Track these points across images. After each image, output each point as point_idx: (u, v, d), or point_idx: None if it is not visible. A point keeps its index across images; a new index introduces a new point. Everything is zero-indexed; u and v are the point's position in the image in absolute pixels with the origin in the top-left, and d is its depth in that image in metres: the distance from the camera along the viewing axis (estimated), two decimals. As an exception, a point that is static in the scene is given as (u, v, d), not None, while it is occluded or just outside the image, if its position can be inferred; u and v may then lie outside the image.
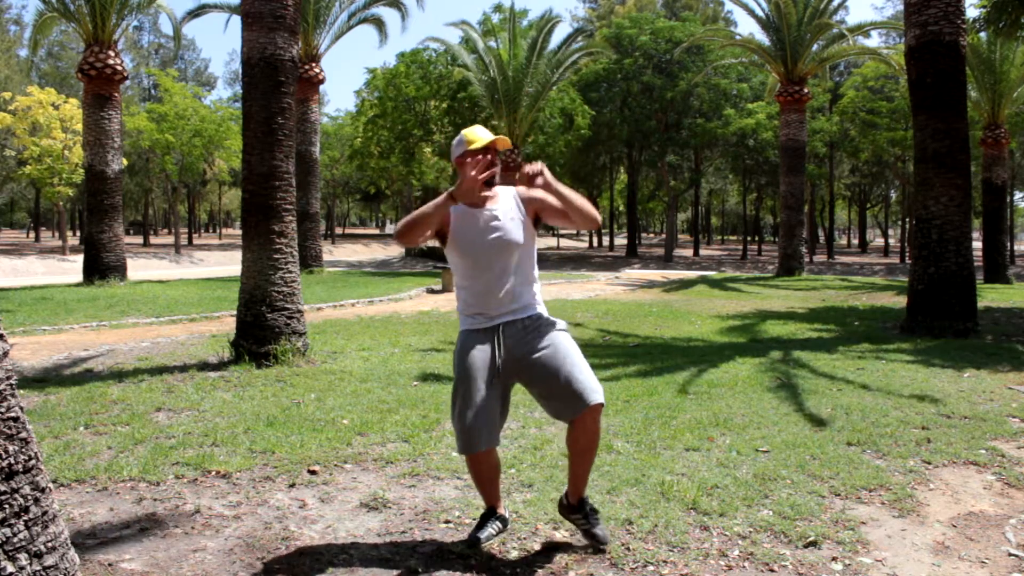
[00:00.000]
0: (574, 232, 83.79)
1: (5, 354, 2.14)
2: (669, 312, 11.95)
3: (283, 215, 7.50)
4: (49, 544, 2.16)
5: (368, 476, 3.91)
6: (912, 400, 5.47)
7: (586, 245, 62.19)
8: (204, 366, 6.99)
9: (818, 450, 4.23)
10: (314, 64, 22.13)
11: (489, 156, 2.87)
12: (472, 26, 24.68)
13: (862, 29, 24.08)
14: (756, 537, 3.10)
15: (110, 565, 2.89)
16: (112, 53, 17.14)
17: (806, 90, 22.85)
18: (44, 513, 2.16)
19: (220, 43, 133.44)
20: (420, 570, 2.84)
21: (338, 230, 65.43)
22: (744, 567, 2.87)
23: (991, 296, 14.53)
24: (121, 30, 17.97)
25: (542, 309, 3.07)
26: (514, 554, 2.98)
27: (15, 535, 2.06)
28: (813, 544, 3.04)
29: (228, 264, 32.08)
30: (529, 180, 2.84)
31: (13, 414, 2.12)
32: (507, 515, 3.18)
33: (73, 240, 42.68)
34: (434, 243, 3.08)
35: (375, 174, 37.33)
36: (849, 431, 4.63)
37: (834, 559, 2.93)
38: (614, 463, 3.99)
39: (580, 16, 55.80)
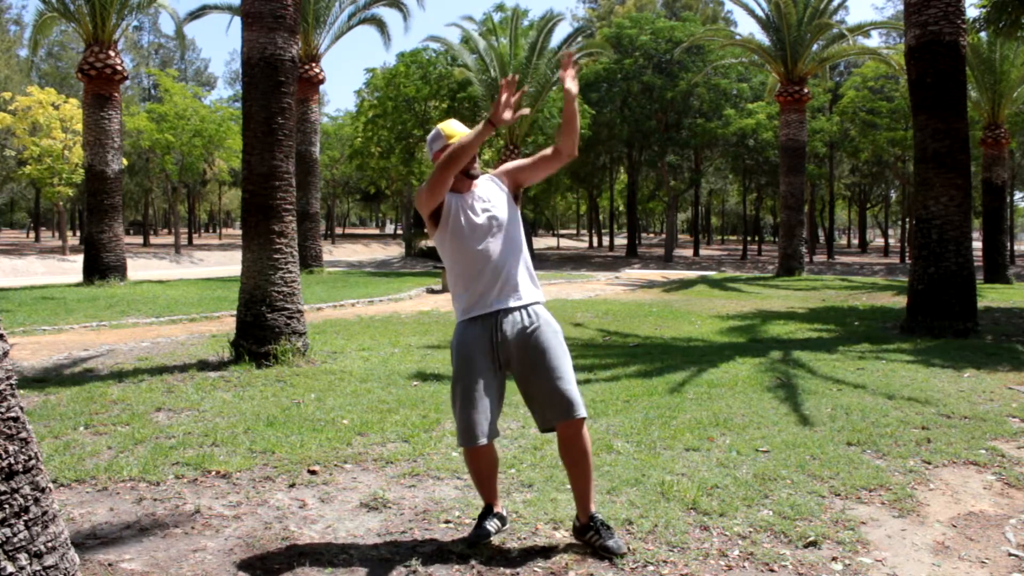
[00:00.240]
0: (574, 232, 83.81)
1: (5, 354, 2.14)
2: (669, 312, 11.95)
3: (283, 215, 7.50)
4: (49, 544, 2.16)
5: (368, 476, 3.91)
6: (912, 400, 5.47)
7: (586, 245, 62.20)
8: (204, 366, 6.99)
9: (818, 450, 4.23)
10: (314, 64, 22.13)
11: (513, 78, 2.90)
12: (474, 20, 24.70)
13: (862, 29, 24.08)
14: (756, 537, 3.10)
15: (110, 565, 2.89)
16: (112, 53, 17.14)
17: (806, 90, 22.85)
18: (44, 513, 2.16)
19: (220, 43, 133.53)
20: (420, 570, 2.84)
21: (338, 230, 65.43)
22: (744, 567, 2.87)
23: (991, 296, 14.53)
24: (121, 30, 17.98)
25: (540, 298, 3.07)
26: (514, 554, 2.98)
27: (15, 535, 2.06)
28: (813, 544, 3.04)
29: (228, 264, 32.08)
30: (568, 63, 2.93)
31: (13, 414, 2.12)
32: (505, 513, 3.18)
33: (73, 240, 42.68)
34: (431, 243, 3.08)
35: (375, 174, 37.31)
36: (849, 431, 4.63)
37: (834, 559, 2.93)
38: (614, 463, 3.99)
39: (580, 16, 55.88)
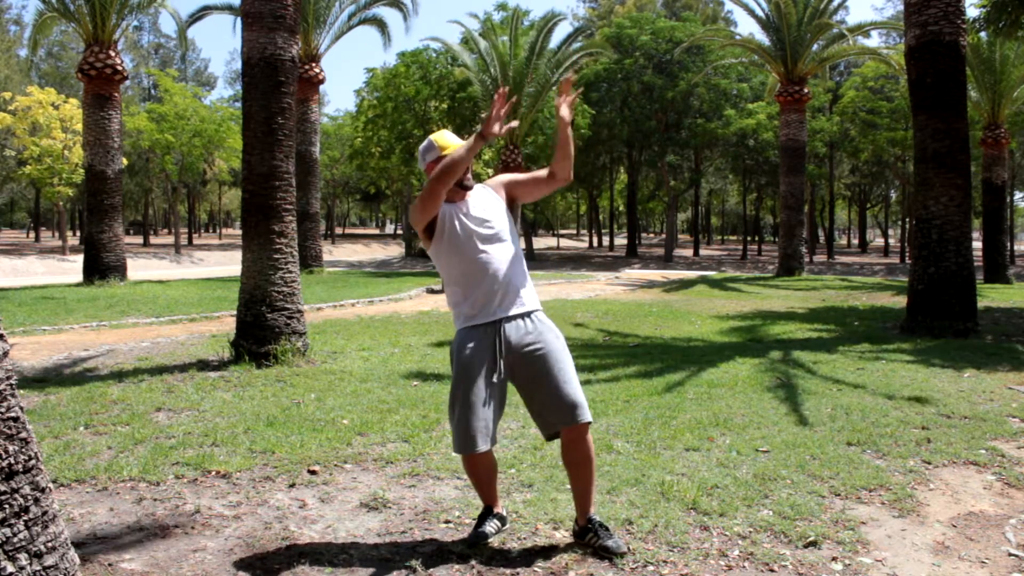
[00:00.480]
0: (574, 232, 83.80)
1: (5, 354, 2.14)
2: (669, 312, 11.95)
3: (283, 215, 7.50)
4: (49, 544, 2.16)
5: (368, 476, 3.91)
6: (912, 400, 5.47)
7: (586, 245, 62.20)
8: (204, 366, 6.99)
9: (818, 450, 4.23)
10: (314, 64, 22.14)
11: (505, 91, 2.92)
12: (477, 19, 24.68)
13: (862, 29, 24.08)
14: (756, 537, 3.10)
15: (110, 565, 2.89)
16: (112, 53, 17.14)
17: (806, 90, 22.85)
18: (44, 513, 2.16)
19: (220, 43, 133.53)
20: (420, 570, 2.84)
21: (338, 230, 65.43)
22: (744, 567, 2.87)
23: (991, 296, 14.53)
24: (121, 30, 17.98)
25: (539, 306, 3.07)
26: (514, 554, 2.98)
27: (15, 535, 2.06)
28: (813, 544, 3.04)
29: (228, 264, 32.08)
30: (567, 88, 2.97)
31: (13, 414, 2.13)
32: (505, 514, 3.18)
33: (73, 240, 42.68)
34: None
35: (375, 174, 37.31)
36: (849, 431, 4.63)
37: (834, 559, 2.93)
38: (614, 463, 3.99)
39: (581, 16, 55.83)
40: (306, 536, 3.18)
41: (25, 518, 2.09)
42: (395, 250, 46.91)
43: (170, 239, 47.47)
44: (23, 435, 2.14)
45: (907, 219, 41.96)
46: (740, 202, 54.24)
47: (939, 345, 8.22)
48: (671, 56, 33.96)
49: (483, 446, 2.87)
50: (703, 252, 49.90)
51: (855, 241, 70.07)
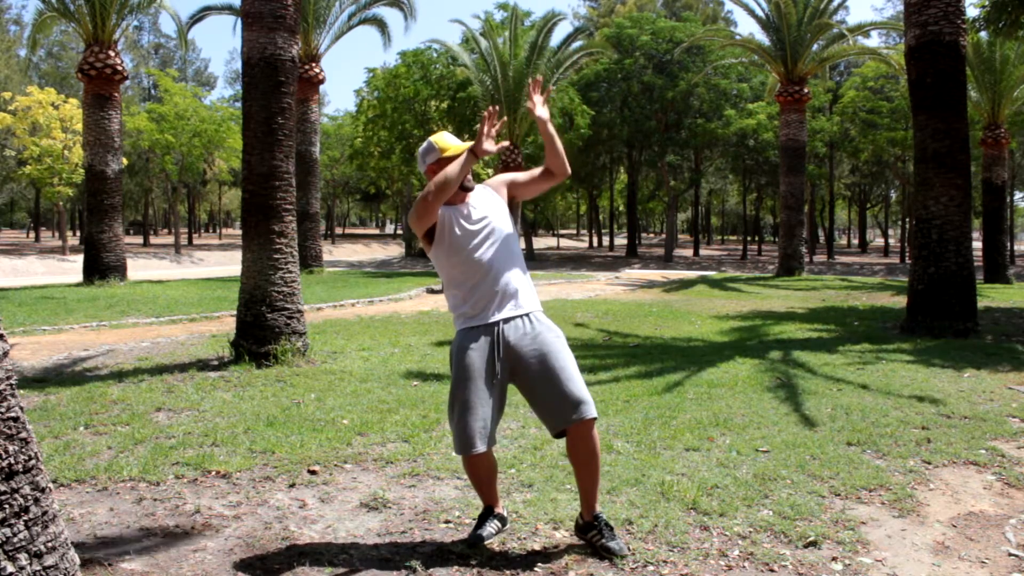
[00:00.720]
0: (574, 232, 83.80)
1: (5, 354, 2.14)
2: (669, 312, 11.95)
3: (283, 215, 7.50)
4: (49, 544, 2.16)
5: (368, 476, 3.91)
6: (912, 400, 5.47)
7: (586, 245, 62.19)
8: (204, 366, 6.99)
9: (818, 450, 4.23)
10: (314, 64, 22.13)
11: (495, 110, 2.97)
12: (479, 19, 24.66)
13: (862, 29, 24.08)
14: (756, 537, 3.10)
15: (110, 565, 2.89)
16: (112, 53, 17.14)
17: (806, 90, 22.85)
18: (44, 513, 2.16)
19: (220, 43, 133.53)
20: (420, 570, 2.84)
21: (338, 230, 65.42)
22: (744, 567, 2.87)
23: (991, 296, 14.54)
24: (121, 30, 17.98)
25: (539, 307, 3.07)
26: (514, 554, 2.98)
27: (15, 535, 2.06)
28: (813, 544, 3.04)
29: (228, 264, 32.08)
30: (535, 89, 3.01)
31: (13, 414, 2.13)
32: (505, 514, 3.18)
33: (73, 240, 42.67)
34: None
35: (375, 174, 37.32)
36: (849, 431, 4.63)
37: (834, 559, 2.93)
38: (614, 463, 3.99)
39: (582, 14, 55.84)
40: (306, 536, 3.18)
41: (25, 518, 2.09)
42: (395, 250, 46.92)
43: (170, 239, 47.47)
44: (23, 435, 2.14)
45: (907, 219, 41.96)
46: (740, 202, 54.25)
47: (939, 345, 8.22)
48: (671, 56, 33.96)
49: (482, 447, 2.87)
50: (703, 252, 49.90)
51: (855, 241, 70.07)
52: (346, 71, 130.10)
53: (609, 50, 31.94)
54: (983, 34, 19.48)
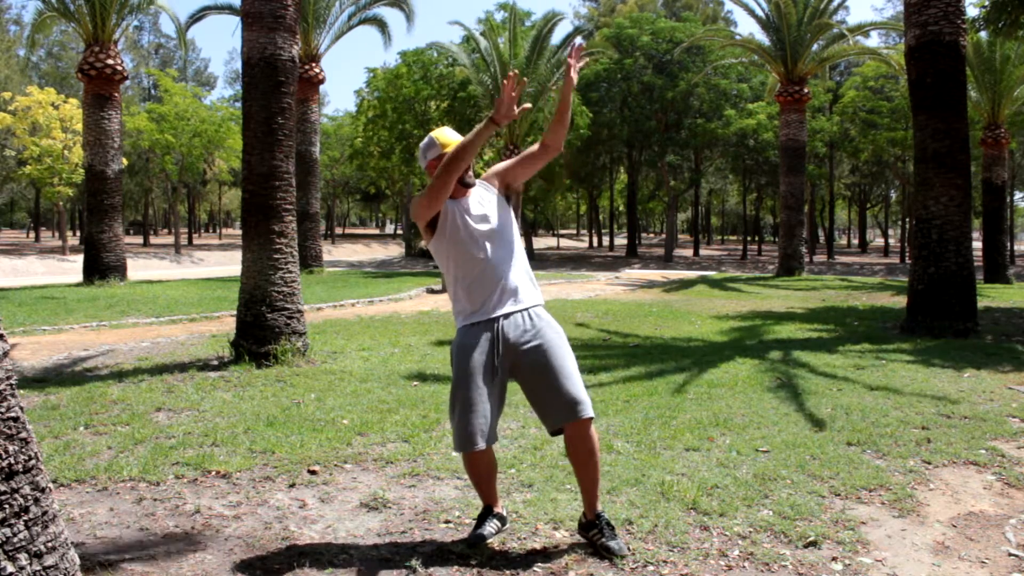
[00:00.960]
0: (574, 232, 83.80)
1: (5, 354, 2.14)
2: (669, 312, 11.95)
3: (283, 215, 7.50)
4: (49, 544, 2.16)
5: (368, 476, 3.91)
6: (912, 400, 5.47)
7: (586, 245, 62.18)
8: (204, 366, 6.99)
9: (818, 450, 4.23)
10: (314, 64, 22.13)
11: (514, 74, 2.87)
12: (480, 20, 24.63)
13: (862, 29, 24.08)
14: (756, 537, 3.10)
15: (110, 565, 2.89)
16: (112, 53, 17.14)
17: (806, 90, 22.85)
18: (44, 513, 2.16)
19: (220, 43, 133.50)
20: (420, 570, 2.84)
21: (338, 230, 65.41)
22: (744, 567, 2.87)
23: (991, 296, 14.53)
24: (121, 30, 17.98)
25: (540, 300, 3.06)
26: (514, 554, 2.98)
27: (15, 535, 2.06)
28: (813, 544, 3.04)
29: (228, 264, 32.07)
30: (577, 53, 2.93)
31: (13, 414, 2.12)
32: (505, 514, 3.18)
33: (73, 240, 42.67)
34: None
35: (375, 174, 37.32)
36: (849, 431, 4.63)
37: (834, 559, 2.93)
38: (614, 463, 3.99)
39: (583, 14, 55.85)
40: (306, 536, 3.18)
41: (25, 518, 2.09)
42: (395, 250, 46.92)
43: (170, 239, 47.46)
44: (23, 435, 2.14)
45: (907, 219, 41.95)
46: (740, 202, 54.24)
47: (939, 345, 8.22)
48: (671, 56, 33.96)
49: (482, 444, 2.87)
50: (703, 252, 49.90)
51: (855, 241, 70.07)
52: (346, 71, 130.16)
53: (609, 50, 31.96)
54: (983, 34, 19.50)
